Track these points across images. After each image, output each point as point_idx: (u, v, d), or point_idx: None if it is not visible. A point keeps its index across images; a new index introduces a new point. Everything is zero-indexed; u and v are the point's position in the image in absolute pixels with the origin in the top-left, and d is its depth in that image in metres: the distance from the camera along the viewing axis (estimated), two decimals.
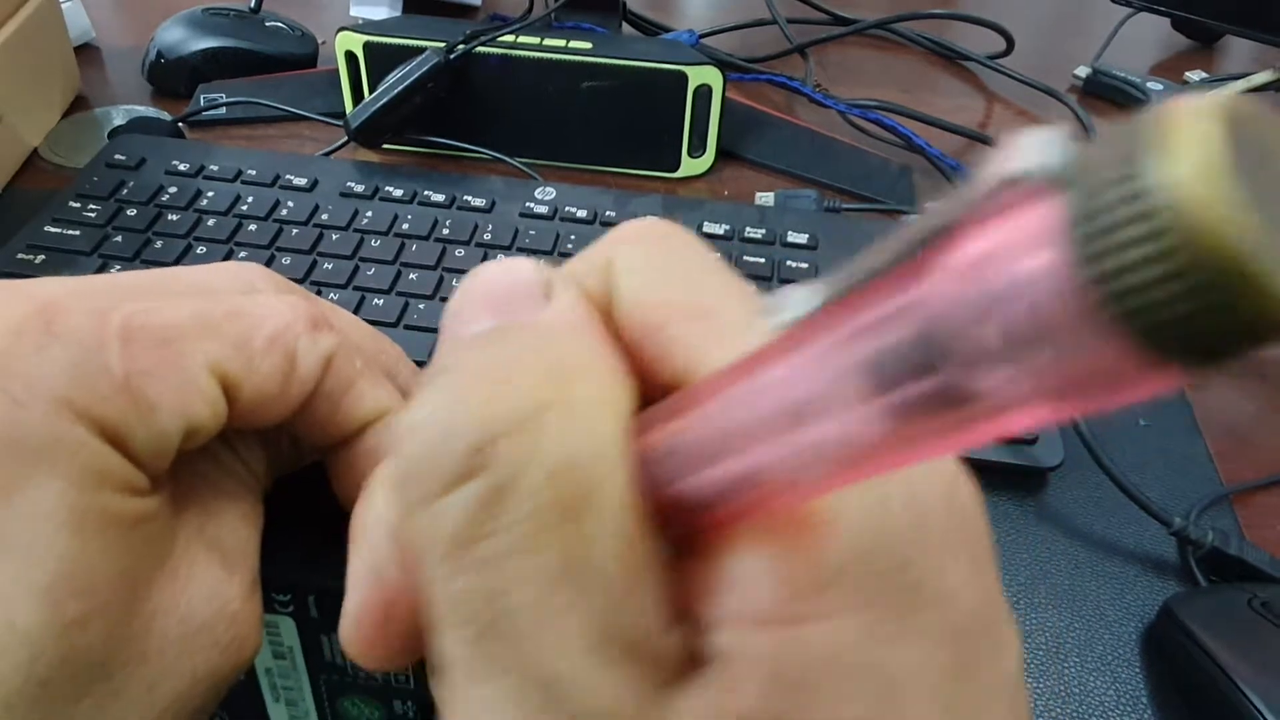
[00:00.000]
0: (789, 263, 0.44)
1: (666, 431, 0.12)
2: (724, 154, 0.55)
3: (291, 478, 0.20)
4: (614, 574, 0.11)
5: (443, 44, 0.50)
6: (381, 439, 0.19)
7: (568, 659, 0.11)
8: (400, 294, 0.42)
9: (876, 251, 0.10)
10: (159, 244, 0.44)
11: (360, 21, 0.64)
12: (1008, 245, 0.08)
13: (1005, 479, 0.37)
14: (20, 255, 0.43)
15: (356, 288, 0.42)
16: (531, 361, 0.12)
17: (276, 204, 0.46)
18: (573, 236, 0.45)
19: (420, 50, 0.50)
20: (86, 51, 0.63)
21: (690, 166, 0.54)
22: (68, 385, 0.15)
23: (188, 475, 0.18)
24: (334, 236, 0.45)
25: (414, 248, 0.44)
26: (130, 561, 0.16)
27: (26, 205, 0.48)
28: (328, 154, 0.52)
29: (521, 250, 0.44)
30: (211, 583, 0.17)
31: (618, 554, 0.11)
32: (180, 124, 0.54)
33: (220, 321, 0.17)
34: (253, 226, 0.45)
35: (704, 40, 0.66)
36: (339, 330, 0.18)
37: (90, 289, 0.17)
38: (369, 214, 0.46)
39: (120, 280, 0.18)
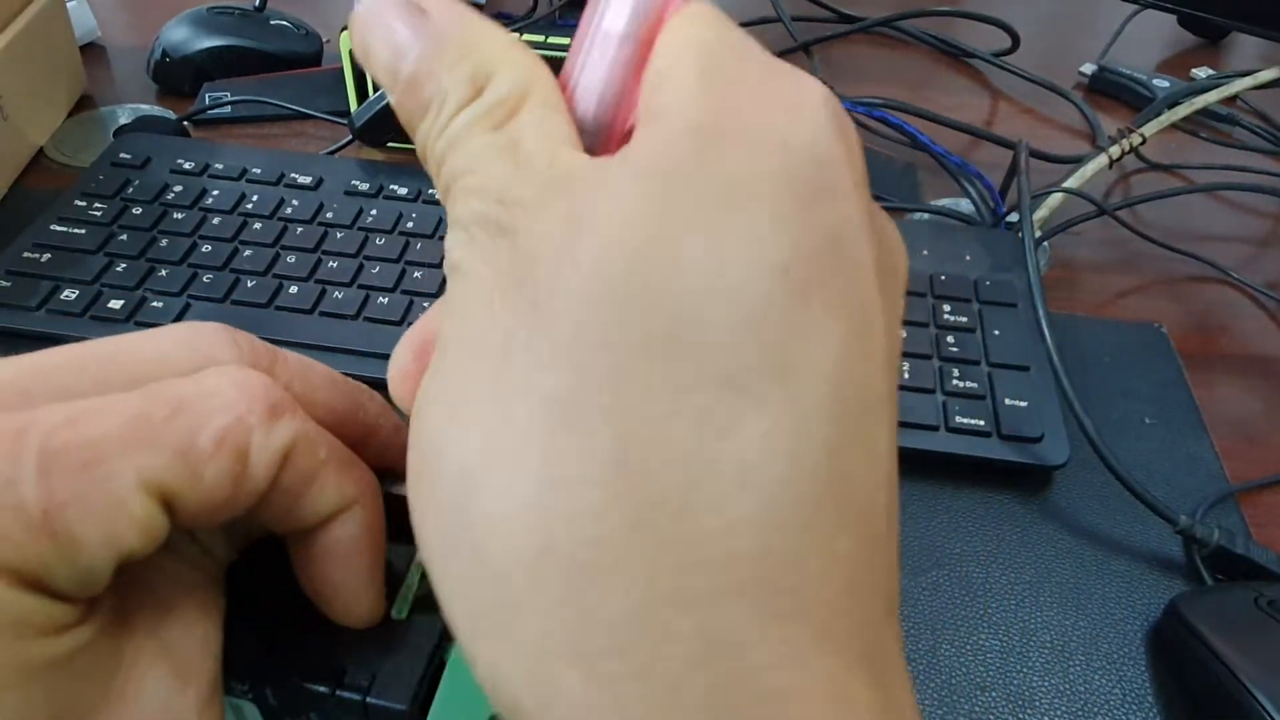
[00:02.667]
0: None
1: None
2: None
3: (260, 543, 0.19)
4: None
5: None
6: (347, 530, 0.18)
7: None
8: (405, 292, 0.42)
9: None
10: (164, 242, 0.44)
11: None
12: None
13: (1011, 477, 0.37)
14: (26, 254, 0.43)
15: (361, 286, 0.42)
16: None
17: (281, 202, 0.46)
18: None
19: None
20: (92, 50, 0.63)
21: None
22: None
23: (135, 576, 0.16)
24: (339, 235, 0.45)
25: (418, 246, 0.44)
26: (64, 701, 0.15)
27: (33, 204, 0.48)
28: (332, 152, 0.52)
29: None
30: (163, 699, 0.16)
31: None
32: (185, 123, 0.54)
33: (159, 425, 0.15)
34: (257, 225, 0.45)
35: None
36: (301, 415, 0.17)
37: (7, 395, 0.15)
38: (373, 212, 0.46)
39: (48, 370, 0.16)
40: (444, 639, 0.19)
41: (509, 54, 0.15)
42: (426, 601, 0.19)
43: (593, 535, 0.12)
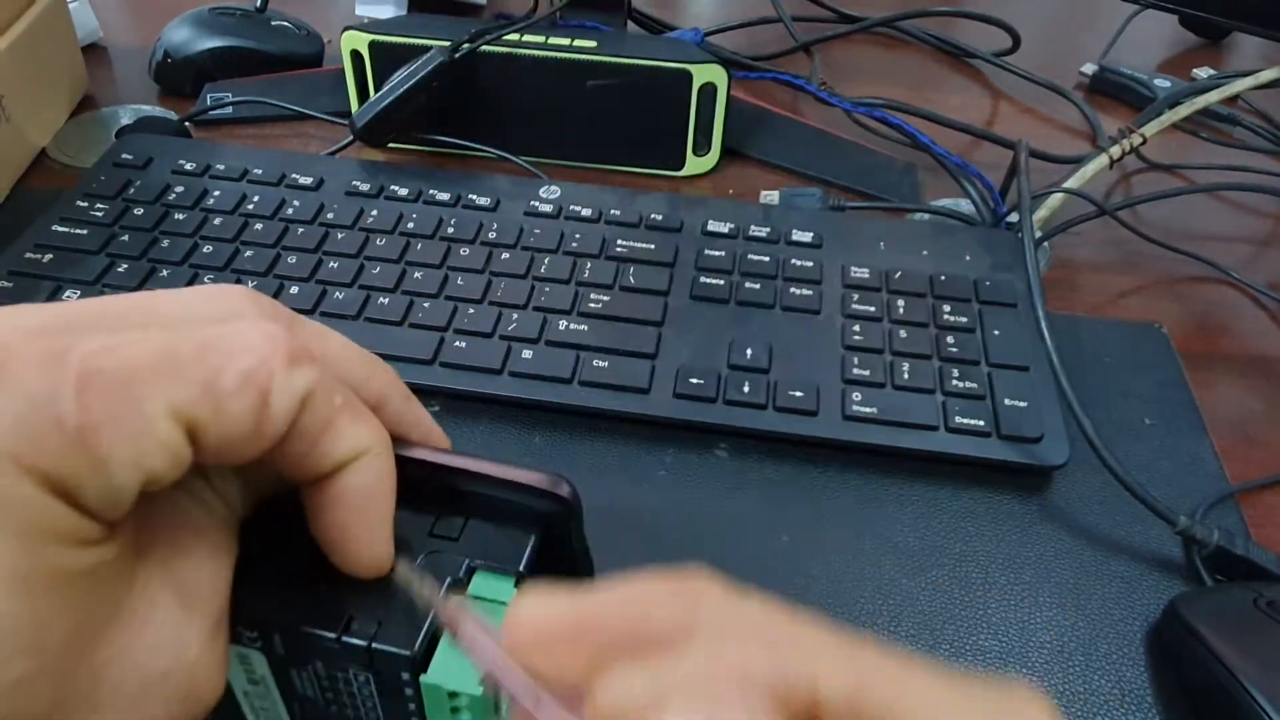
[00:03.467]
0: (793, 261, 0.44)
1: None
2: (729, 152, 0.55)
3: (273, 502, 0.20)
4: None
5: (448, 43, 0.50)
6: (360, 478, 0.18)
7: None
8: (405, 292, 0.42)
9: None
10: (166, 243, 0.44)
11: (366, 20, 0.64)
12: None
13: (1010, 477, 0.37)
14: (28, 254, 0.43)
15: (362, 286, 0.42)
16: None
17: (282, 203, 0.47)
18: (577, 235, 0.45)
19: (425, 49, 0.50)
20: (94, 51, 0.63)
21: (695, 165, 0.54)
22: (14, 440, 0.14)
23: (154, 510, 0.17)
24: (339, 235, 0.45)
25: (419, 246, 0.44)
26: (81, 615, 0.15)
27: (34, 204, 0.48)
28: (333, 153, 0.52)
29: (526, 249, 0.44)
30: (171, 628, 0.17)
31: None
32: (187, 123, 0.55)
33: (187, 359, 0.16)
34: (259, 225, 0.45)
35: (709, 38, 0.66)
36: (319, 363, 0.18)
37: (52, 323, 0.16)
38: (374, 213, 0.46)
39: (88, 310, 0.17)
40: (448, 589, 0.19)
41: None
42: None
43: None
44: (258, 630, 0.19)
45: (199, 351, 0.16)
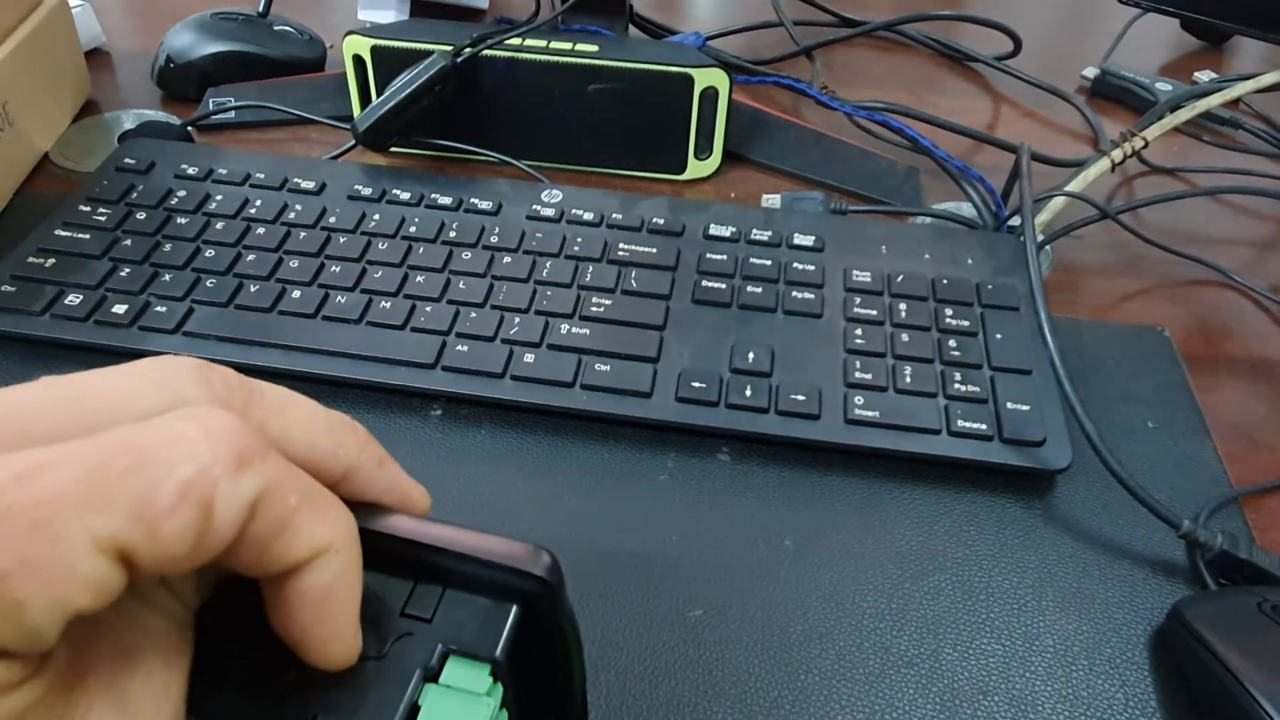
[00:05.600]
0: (795, 265, 0.44)
1: None
2: (730, 156, 0.55)
3: (233, 582, 0.19)
4: None
5: (449, 47, 0.50)
6: (319, 577, 0.17)
7: None
8: (407, 296, 0.42)
9: None
10: (168, 247, 0.44)
11: (368, 25, 0.64)
12: None
13: (1013, 481, 0.37)
14: (31, 259, 0.43)
15: (364, 290, 0.42)
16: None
17: (284, 207, 0.47)
18: (579, 239, 0.45)
19: (427, 54, 0.50)
20: (97, 56, 0.63)
21: (697, 169, 0.54)
22: None
23: (95, 624, 0.16)
24: (341, 239, 0.45)
25: (421, 250, 0.44)
26: None
27: (38, 209, 0.48)
28: (335, 157, 0.53)
29: (528, 253, 0.44)
30: None
31: None
32: (189, 128, 0.55)
33: (116, 479, 0.14)
34: (261, 229, 0.45)
35: (710, 42, 0.66)
36: (273, 457, 0.16)
37: None
38: (376, 217, 0.46)
39: (17, 408, 0.15)
40: (420, 680, 0.18)
41: None
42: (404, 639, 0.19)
43: None
44: None
45: (130, 464, 0.14)
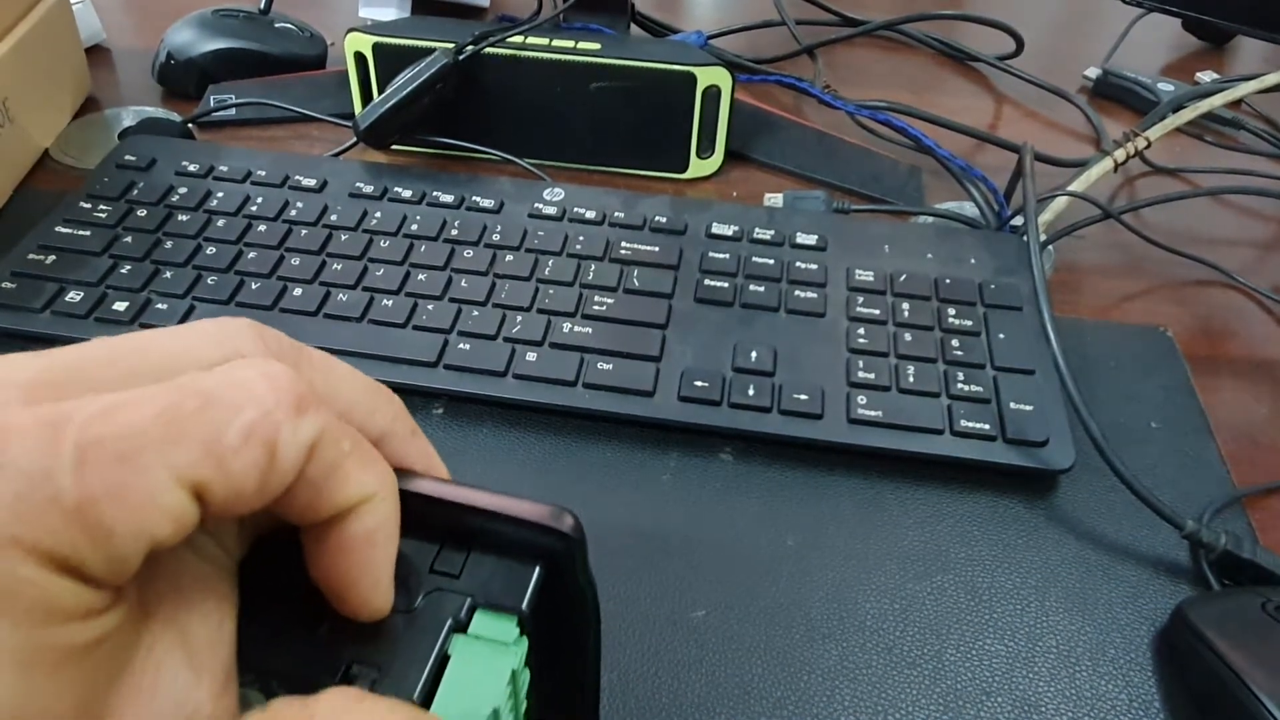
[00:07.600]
0: (798, 264, 0.44)
1: None
2: (733, 155, 0.55)
3: (269, 538, 0.20)
4: None
5: (451, 45, 0.50)
6: (364, 524, 0.18)
7: None
8: (409, 294, 0.42)
9: None
10: (169, 244, 0.44)
11: (369, 23, 0.64)
12: None
13: (1016, 481, 0.37)
14: (31, 255, 0.43)
15: (365, 288, 0.42)
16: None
17: (286, 205, 0.47)
18: (581, 237, 0.45)
19: (429, 51, 0.50)
20: (97, 53, 0.63)
21: (699, 167, 0.54)
22: (13, 521, 0.14)
23: (157, 567, 0.17)
24: (343, 237, 0.45)
25: (423, 248, 0.44)
26: (89, 688, 0.15)
27: (38, 206, 0.48)
28: (337, 155, 0.52)
29: (530, 251, 0.44)
30: (180, 689, 0.16)
31: None
32: (190, 125, 0.54)
33: (189, 418, 0.15)
34: (262, 227, 0.45)
35: (712, 41, 0.66)
36: (326, 408, 0.17)
37: (47, 383, 0.15)
38: (378, 215, 0.46)
39: (84, 360, 0.16)
40: (449, 631, 0.19)
41: None
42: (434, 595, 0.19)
43: None
44: (254, 674, 0.19)
45: (201, 407, 0.15)
